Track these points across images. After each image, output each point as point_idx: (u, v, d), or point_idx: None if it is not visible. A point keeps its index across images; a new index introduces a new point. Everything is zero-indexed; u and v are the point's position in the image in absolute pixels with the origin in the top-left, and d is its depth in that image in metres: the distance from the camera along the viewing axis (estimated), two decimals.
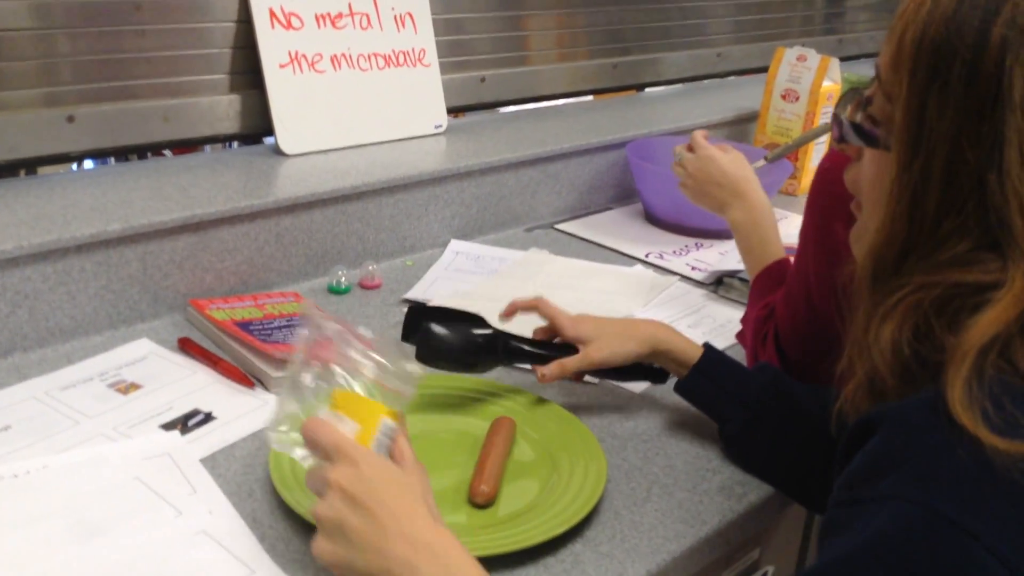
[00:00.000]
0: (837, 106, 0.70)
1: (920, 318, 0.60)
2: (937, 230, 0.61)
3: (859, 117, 0.67)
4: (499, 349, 1.01)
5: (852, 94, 0.69)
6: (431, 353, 0.98)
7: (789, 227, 1.68)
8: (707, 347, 0.98)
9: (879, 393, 0.63)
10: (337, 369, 0.74)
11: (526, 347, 1.03)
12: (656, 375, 1.04)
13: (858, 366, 0.64)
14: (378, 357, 0.75)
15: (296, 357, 0.75)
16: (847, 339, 0.67)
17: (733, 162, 1.24)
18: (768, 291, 1.11)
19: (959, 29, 0.59)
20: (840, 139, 0.70)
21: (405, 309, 1.24)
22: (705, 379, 0.96)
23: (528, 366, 1.07)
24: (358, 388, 0.74)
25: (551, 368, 0.99)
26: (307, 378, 0.74)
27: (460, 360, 1.01)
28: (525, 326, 1.06)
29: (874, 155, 0.67)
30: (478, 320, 1.02)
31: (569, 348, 1.01)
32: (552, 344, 1.04)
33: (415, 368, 0.77)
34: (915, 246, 0.62)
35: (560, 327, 1.02)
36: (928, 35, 0.60)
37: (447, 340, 0.99)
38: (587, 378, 1.06)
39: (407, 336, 1.00)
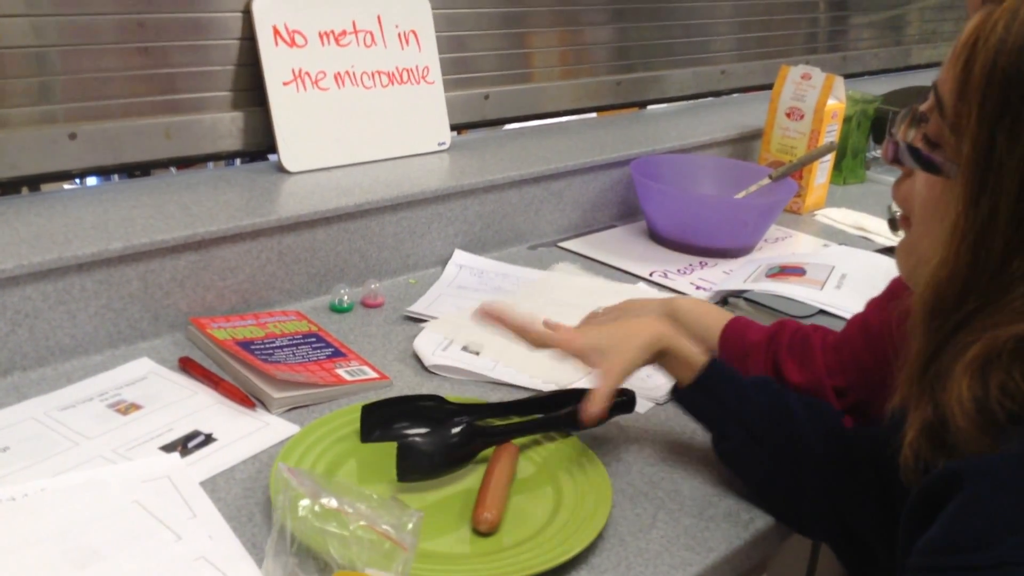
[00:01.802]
0: (893, 126, 0.67)
1: (1004, 375, 0.58)
2: (1004, 271, 0.59)
3: (911, 136, 0.65)
4: (489, 432, 0.95)
5: (907, 112, 0.66)
6: (416, 471, 0.90)
7: (794, 246, 1.68)
8: (712, 359, 0.94)
9: (948, 443, 0.60)
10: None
11: (510, 421, 0.98)
12: (624, 406, 1.00)
13: (917, 408, 0.62)
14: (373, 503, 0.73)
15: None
16: (899, 375, 0.64)
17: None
18: (740, 340, 1.09)
19: None
20: (894, 160, 0.68)
21: (408, 326, 1.24)
22: (706, 396, 0.93)
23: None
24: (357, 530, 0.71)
25: (595, 404, 0.91)
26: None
27: (448, 465, 0.92)
28: (529, 359, 1.03)
29: (930, 178, 0.65)
30: (442, 406, 0.97)
31: (551, 398, 0.99)
32: (534, 402, 1.00)
33: (412, 517, 0.73)
34: (977, 284, 0.60)
35: (561, 344, 0.96)
36: (999, 65, 0.57)
37: (428, 451, 0.90)
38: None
39: (367, 437, 0.95)
